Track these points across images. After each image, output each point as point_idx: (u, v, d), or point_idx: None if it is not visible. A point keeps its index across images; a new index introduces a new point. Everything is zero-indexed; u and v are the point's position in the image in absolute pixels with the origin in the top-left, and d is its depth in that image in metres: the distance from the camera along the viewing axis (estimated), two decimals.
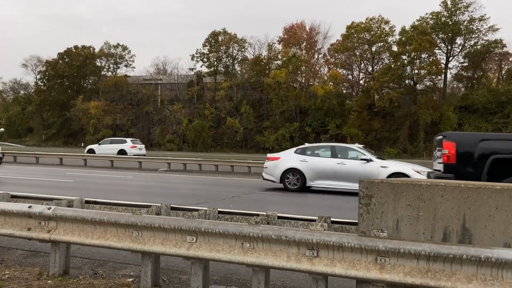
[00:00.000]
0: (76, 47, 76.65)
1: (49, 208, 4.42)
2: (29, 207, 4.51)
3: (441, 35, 57.67)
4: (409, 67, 58.03)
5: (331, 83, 61.86)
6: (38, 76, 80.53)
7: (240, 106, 63.79)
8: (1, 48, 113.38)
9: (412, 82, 59.08)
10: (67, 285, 4.14)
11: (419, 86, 59.10)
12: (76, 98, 70.26)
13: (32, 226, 4.48)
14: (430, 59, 56.46)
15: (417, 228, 3.43)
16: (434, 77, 57.73)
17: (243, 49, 70.43)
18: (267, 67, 66.09)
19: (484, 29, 55.82)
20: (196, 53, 70.56)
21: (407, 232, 3.44)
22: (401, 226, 3.46)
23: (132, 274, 4.63)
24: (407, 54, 56.94)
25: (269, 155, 14.47)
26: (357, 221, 3.82)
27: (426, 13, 58.12)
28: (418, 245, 3.12)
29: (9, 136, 77.06)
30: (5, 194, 5.95)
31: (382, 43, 62.15)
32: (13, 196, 6.05)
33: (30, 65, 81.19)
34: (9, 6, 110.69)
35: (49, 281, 4.24)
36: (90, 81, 79.79)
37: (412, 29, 56.68)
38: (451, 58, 59.56)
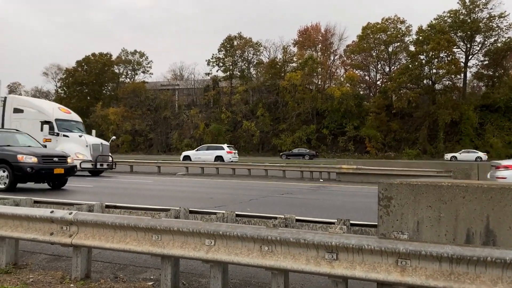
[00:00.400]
0: (94, 54, 78.05)
1: (70, 213, 4.49)
2: (51, 212, 4.60)
3: (459, 34, 56.74)
4: (427, 66, 57.26)
5: (348, 85, 61.47)
6: (59, 84, 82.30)
7: (256, 110, 63.91)
8: (23, 57, 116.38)
9: (430, 82, 58.24)
10: None
11: (437, 86, 58.25)
12: (96, 105, 71.52)
13: (55, 231, 4.56)
14: (449, 58, 55.59)
15: (439, 229, 3.36)
16: (453, 76, 56.83)
17: (258, 53, 70.69)
18: (283, 69, 66.08)
19: (505, 26, 54.77)
20: (212, 58, 71.13)
21: (428, 234, 3.37)
22: (422, 228, 3.40)
23: (152, 277, 4.66)
24: (424, 54, 56.17)
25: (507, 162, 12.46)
26: (376, 223, 3.77)
27: (444, 12, 57.34)
28: (440, 247, 3.06)
29: None
30: (28, 199, 6.08)
31: (398, 43, 61.50)
32: (36, 202, 6.17)
33: (50, 73, 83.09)
34: (30, 16, 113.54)
35: (71, 285, 4.31)
36: (109, 87, 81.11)
37: (429, 28, 55.90)
38: (470, 56, 58.51)
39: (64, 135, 19.57)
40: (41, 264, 5.13)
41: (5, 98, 20.36)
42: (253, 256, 3.67)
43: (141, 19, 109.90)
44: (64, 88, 79.79)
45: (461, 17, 56.07)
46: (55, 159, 12.65)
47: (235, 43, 70.15)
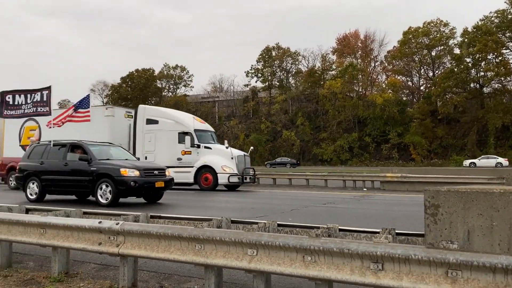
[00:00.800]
0: (137, 70, 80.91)
1: (117, 223, 4.64)
2: (99, 222, 4.77)
3: (508, 34, 54.17)
4: (473, 69, 54.99)
5: (390, 91, 60.13)
6: (105, 100, 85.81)
7: (295, 119, 63.74)
8: (71, 75, 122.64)
9: (478, 85, 55.87)
10: None
11: (486, 89, 55.78)
12: None
13: (103, 241, 4.72)
14: (497, 60, 53.13)
15: (492, 239, 3.19)
16: (502, 78, 54.21)
17: (296, 62, 70.70)
18: (322, 78, 65.64)
19: None
20: (250, 69, 71.81)
21: (480, 244, 3.21)
22: (473, 237, 3.24)
23: (196, 287, 4.72)
24: (470, 56, 54.02)
25: None
26: (423, 232, 3.63)
27: (490, 12, 55.00)
28: (494, 257, 2.90)
29: None
30: (78, 210, 6.35)
31: (442, 47, 59.56)
32: (85, 213, 6.43)
33: (97, 89, 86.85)
34: (78, 35, 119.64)
35: None
36: (152, 102, 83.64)
37: (475, 29, 53.78)
38: None
39: (206, 147, 18.18)
40: (90, 273, 5.32)
41: (136, 109, 19.51)
42: (296, 266, 3.64)
43: (181, 34, 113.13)
44: (110, 103, 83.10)
45: (509, 16, 53.58)
46: (156, 172, 12.20)
47: (273, 53, 70.56)
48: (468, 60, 54.53)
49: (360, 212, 10.81)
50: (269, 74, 70.88)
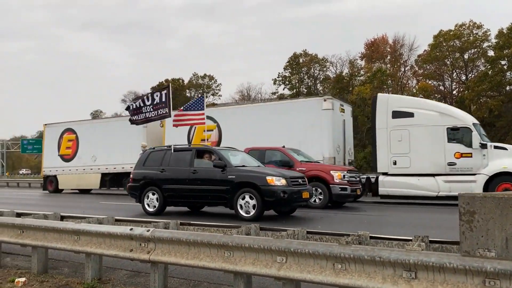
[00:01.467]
0: (167, 80, 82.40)
1: (148, 230, 4.71)
2: (131, 229, 4.85)
3: None
4: (509, 72, 53.12)
5: (421, 96, 58.78)
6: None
7: None
8: (104, 86, 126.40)
9: None
10: None
11: None
12: None
13: (134, 248, 4.80)
14: None
15: None
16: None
17: (324, 69, 70.26)
18: (350, 84, 64.98)
19: None
20: (278, 77, 71.85)
21: None
22: None
23: None
24: (506, 59, 52.25)
25: None
26: (458, 240, 3.51)
27: None
28: None
29: None
30: (110, 218, 6.48)
31: (475, 50, 57.89)
32: (117, 220, 6.57)
33: (128, 99, 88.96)
34: (109, 48, 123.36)
35: None
36: None
37: (509, 31, 52.04)
38: None
39: (497, 147, 13.46)
40: (122, 280, 5.40)
41: (374, 98, 15.60)
42: (326, 274, 3.58)
43: (210, 45, 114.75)
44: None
45: None
46: (300, 180, 10.53)
47: (301, 60, 70.42)
48: (503, 62, 52.75)
49: (391, 220, 10.56)
50: (296, 81, 70.74)
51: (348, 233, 4.79)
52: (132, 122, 13.30)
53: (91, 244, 5.13)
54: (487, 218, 3.20)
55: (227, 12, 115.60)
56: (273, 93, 73.17)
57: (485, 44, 57.01)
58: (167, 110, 12.51)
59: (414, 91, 62.07)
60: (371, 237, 4.66)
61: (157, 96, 12.66)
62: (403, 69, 65.26)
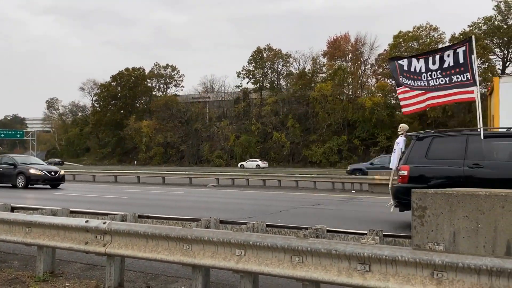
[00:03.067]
0: (127, 69, 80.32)
1: (104, 223, 4.59)
2: (86, 221, 4.72)
3: (495, 40, 55.01)
4: None
5: (379, 94, 60.54)
6: (94, 98, 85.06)
7: (286, 121, 63.86)
8: (62, 74, 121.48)
9: None
10: None
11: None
12: (129, 118, 73.39)
13: (89, 240, 4.68)
14: (485, 65, 53.88)
15: (477, 241, 3.23)
16: (489, 83, 54.91)
17: (288, 64, 70.85)
18: (313, 80, 65.88)
19: None
20: (242, 70, 71.77)
21: (465, 245, 3.25)
22: (459, 239, 3.28)
23: (183, 287, 4.69)
24: None
25: None
26: (410, 234, 3.66)
27: (478, 18, 55.79)
28: (479, 259, 2.93)
29: (68, 155, 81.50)
30: (64, 209, 6.27)
31: None
32: (72, 212, 6.37)
33: (87, 88, 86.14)
34: (74, 34, 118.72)
35: None
36: (142, 101, 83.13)
37: (462, 35, 54.53)
38: (508, 63, 56.51)
39: None
40: (76, 273, 5.26)
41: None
42: (284, 267, 3.64)
43: (177, 35, 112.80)
44: (100, 102, 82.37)
45: (496, 23, 54.44)
46: None
47: (265, 54, 70.65)
48: None
49: (348, 214, 10.86)
50: (260, 75, 70.94)
51: (307, 226, 4.89)
52: (401, 84, 8.62)
53: (44, 237, 4.95)
54: (437, 214, 3.35)
55: (196, 2, 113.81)
56: (237, 86, 73.05)
57: (440, 47, 59.31)
58: (469, 76, 7.83)
59: (373, 89, 63.85)
60: (328, 231, 4.78)
61: (448, 56, 8.06)
62: (363, 68, 66.89)
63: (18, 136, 75.34)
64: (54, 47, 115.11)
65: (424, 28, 59.78)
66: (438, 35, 59.39)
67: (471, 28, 55.21)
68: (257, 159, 56.83)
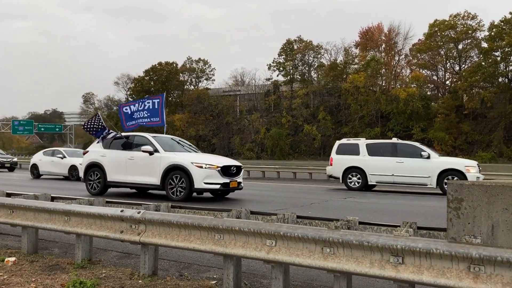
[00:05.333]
0: (160, 63, 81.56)
1: (138, 212, 4.71)
2: (121, 211, 4.86)
3: None
4: (502, 63, 53.35)
5: (414, 85, 58.93)
6: (128, 93, 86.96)
7: (317, 113, 63.23)
8: (98, 69, 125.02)
9: (506, 79, 54.20)
10: (155, 285, 4.37)
11: None
12: None
13: (124, 229, 4.81)
14: None
15: None
16: None
17: (319, 56, 69.94)
18: (344, 72, 64.86)
19: None
20: (272, 63, 71.47)
21: (504, 239, 3.13)
22: (497, 232, 3.16)
23: (215, 277, 4.76)
24: (500, 50, 52.41)
25: None
26: (446, 227, 3.56)
27: None
28: None
29: None
30: (101, 199, 6.47)
31: (469, 40, 57.94)
32: (107, 202, 6.56)
33: (121, 82, 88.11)
34: (110, 30, 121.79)
35: (139, 281, 4.51)
36: (175, 95, 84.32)
37: (503, 23, 52.14)
38: None
39: None
40: (112, 261, 5.43)
41: None
42: (315, 258, 3.62)
43: (211, 29, 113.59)
44: (133, 96, 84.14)
45: None
46: None
47: (295, 46, 70.01)
48: (496, 54, 52.92)
49: (382, 207, 10.69)
50: (291, 67, 70.42)
51: (338, 218, 4.84)
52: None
53: (82, 225, 5.13)
54: (474, 206, 3.25)
55: None
56: (267, 79, 72.86)
57: (478, 35, 57.09)
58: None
59: (408, 80, 62.23)
60: (360, 223, 4.72)
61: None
62: (397, 58, 65.23)
63: (57, 129, 78.05)
64: (92, 43, 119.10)
65: (461, 16, 57.56)
66: (476, 24, 57.05)
67: None
68: None
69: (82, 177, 12.84)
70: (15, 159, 30.82)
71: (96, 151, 12.54)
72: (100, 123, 12.30)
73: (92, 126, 12.29)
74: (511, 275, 2.86)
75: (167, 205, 5.93)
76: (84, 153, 13.31)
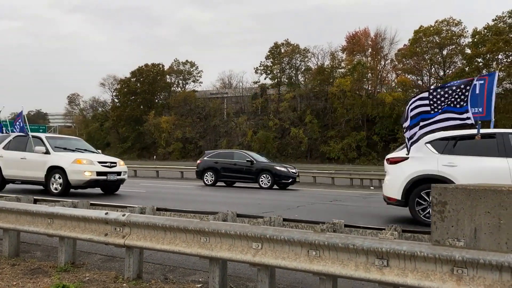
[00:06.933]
0: (146, 65, 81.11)
1: (123, 215, 4.66)
2: (106, 213, 4.80)
3: None
4: (485, 70, 54.35)
5: (399, 90, 59.69)
6: (114, 94, 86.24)
7: (304, 116, 63.54)
8: (84, 70, 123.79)
9: None
10: None
11: (497, 90, 55.09)
12: (148, 114, 74.19)
13: (109, 232, 4.75)
14: (509, 60, 52.53)
15: (499, 237, 3.16)
16: None
17: (306, 59, 70.41)
18: (331, 76, 65.35)
19: None
20: (260, 66, 71.67)
21: (487, 242, 3.18)
22: (480, 235, 3.21)
23: (200, 280, 4.73)
24: (481, 57, 53.45)
25: None
26: (430, 230, 3.60)
27: (503, 12, 54.31)
28: (500, 255, 2.87)
29: None
30: (85, 201, 6.39)
31: (453, 46, 58.95)
32: (92, 204, 6.48)
33: (107, 83, 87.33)
34: (100, 31, 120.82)
35: (124, 284, 4.46)
36: (161, 96, 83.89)
37: (485, 29, 53.24)
38: None
39: None
40: (96, 264, 5.36)
41: None
42: (301, 261, 3.63)
43: (201, 32, 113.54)
44: (119, 97, 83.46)
45: None
46: None
47: (283, 50, 70.34)
48: (479, 60, 53.93)
49: (367, 211, 10.77)
50: (278, 71, 70.69)
51: (324, 221, 4.86)
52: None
53: (65, 228, 5.05)
54: (457, 209, 3.29)
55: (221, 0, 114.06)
56: (255, 82, 73.01)
57: (462, 41, 58.11)
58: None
59: (393, 84, 62.99)
60: (345, 226, 4.75)
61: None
62: (383, 63, 66.02)
63: (41, 131, 76.81)
64: (81, 44, 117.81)
65: (446, 22, 58.57)
66: (460, 30, 58.10)
67: (495, 21, 53.79)
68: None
69: None
70: None
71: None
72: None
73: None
74: (493, 277, 2.90)
75: (152, 207, 5.89)
76: None
